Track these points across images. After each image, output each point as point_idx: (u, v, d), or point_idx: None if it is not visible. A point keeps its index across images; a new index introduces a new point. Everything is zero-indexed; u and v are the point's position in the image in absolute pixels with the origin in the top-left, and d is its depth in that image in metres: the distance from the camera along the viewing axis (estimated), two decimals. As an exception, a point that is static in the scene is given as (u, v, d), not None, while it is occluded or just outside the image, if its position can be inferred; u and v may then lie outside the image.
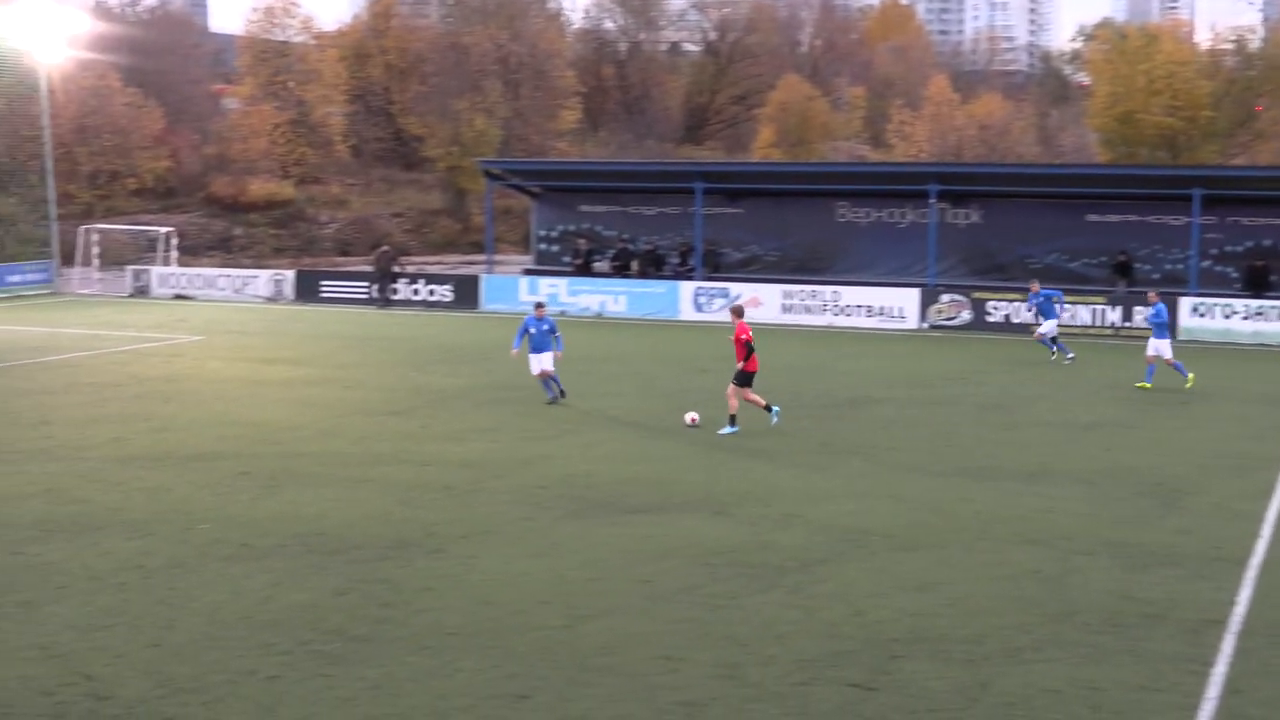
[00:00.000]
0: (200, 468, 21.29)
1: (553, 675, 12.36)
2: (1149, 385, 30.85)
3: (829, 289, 45.87)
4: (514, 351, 27.16)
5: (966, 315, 43.56)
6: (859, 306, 45.16)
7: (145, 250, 61.69)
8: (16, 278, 55.69)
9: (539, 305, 27.51)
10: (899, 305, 44.74)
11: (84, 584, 15.11)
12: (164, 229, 60.09)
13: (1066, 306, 39.91)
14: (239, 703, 11.68)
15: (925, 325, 44.16)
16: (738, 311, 24.87)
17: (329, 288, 52.35)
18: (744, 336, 24.12)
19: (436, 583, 15.19)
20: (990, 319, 43.55)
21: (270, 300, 52.42)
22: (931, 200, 46.56)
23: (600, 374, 32.06)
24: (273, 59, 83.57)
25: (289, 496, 19.30)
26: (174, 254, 58.83)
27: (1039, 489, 20.34)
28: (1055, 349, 35.82)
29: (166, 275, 55.24)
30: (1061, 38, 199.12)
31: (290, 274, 53.57)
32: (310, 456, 22.23)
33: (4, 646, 13.06)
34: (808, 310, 45.57)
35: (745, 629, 13.70)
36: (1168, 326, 31.73)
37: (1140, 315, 40.32)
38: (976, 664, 12.78)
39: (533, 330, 26.87)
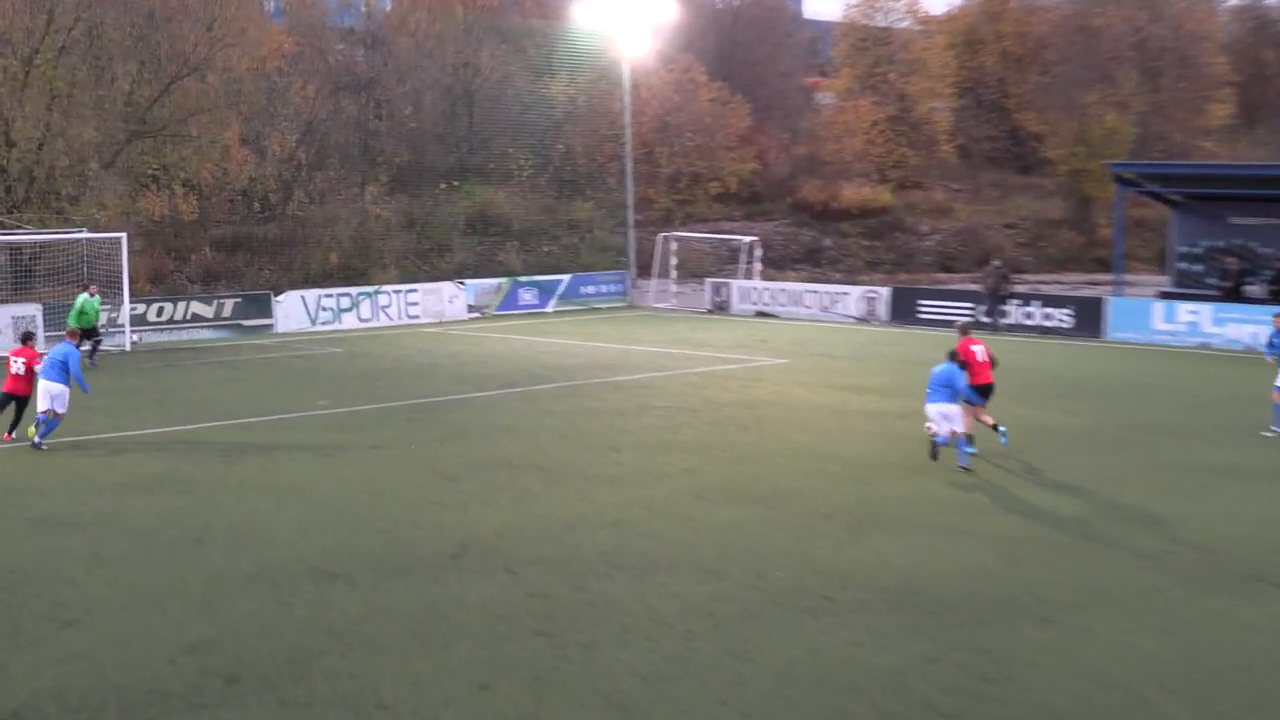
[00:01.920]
0: (778, 506, 21.79)
1: (1182, 779, 11.85)
2: None
3: None
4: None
5: None
6: None
7: (726, 261, 64.05)
8: (591, 289, 59.11)
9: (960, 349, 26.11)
10: None
11: (649, 628, 15.74)
12: (747, 238, 62.10)
13: None
14: (812, 776, 11.83)
15: None
16: (963, 329, 27.50)
17: (928, 308, 52.56)
18: (960, 347, 26.14)
19: (1042, 656, 14.88)
20: None
21: (861, 320, 53.20)
22: None
23: (1248, 418, 30.59)
24: (872, 48, 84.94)
25: (875, 544, 19.43)
26: (757, 266, 60.71)
27: None
28: None
29: (748, 290, 57.07)
30: None
31: (884, 291, 54.19)
32: (900, 500, 22.32)
33: (562, 691, 13.78)
34: None
35: None
36: None
37: None
38: None
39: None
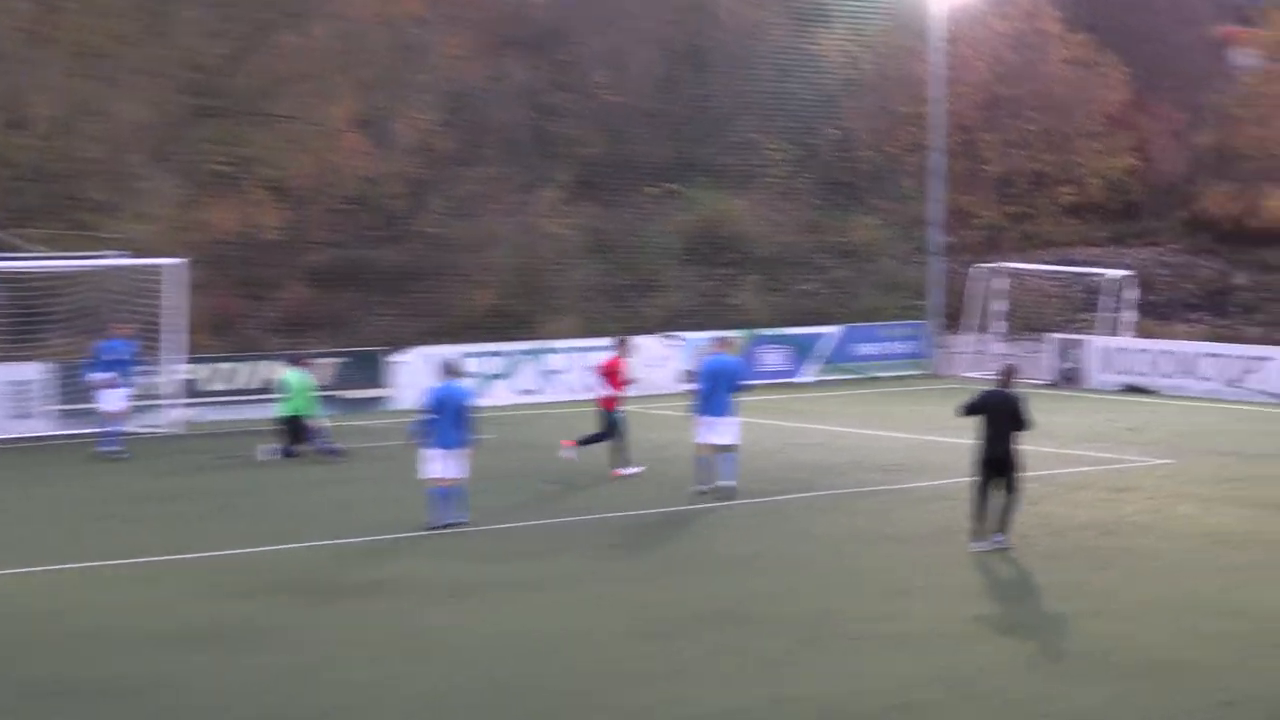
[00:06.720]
0: (1152, 685, 21.60)
1: None
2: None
3: None
4: None
5: None
6: None
7: (1080, 308, 63.37)
8: (871, 348, 58.90)
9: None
10: None
11: None
12: (1114, 272, 61.43)
13: None
14: None
15: None
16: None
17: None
18: None
19: None
20: None
21: (1288, 401, 52.52)
22: None
23: None
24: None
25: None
26: (1129, 315, 60.04)
27: None
28: None
29: (1113, 352, 56.57)
30: None
31: (1327, 357, 53.53)
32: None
33: None
34: None
35: None
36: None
37: None
38: None
39: None
